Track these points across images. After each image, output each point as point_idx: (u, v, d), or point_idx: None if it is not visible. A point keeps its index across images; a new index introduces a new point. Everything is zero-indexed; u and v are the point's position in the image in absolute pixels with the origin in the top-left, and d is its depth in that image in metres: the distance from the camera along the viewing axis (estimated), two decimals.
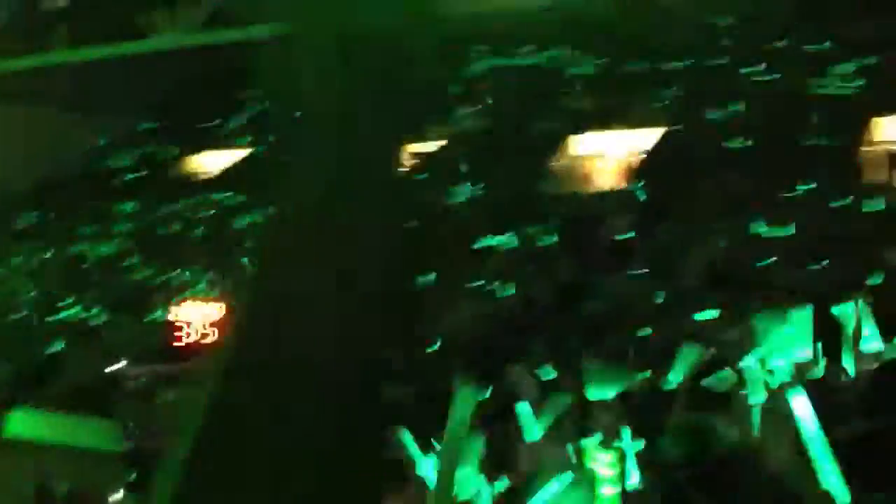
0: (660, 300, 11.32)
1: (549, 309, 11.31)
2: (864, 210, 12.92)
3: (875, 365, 9.03)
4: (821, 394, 8.32)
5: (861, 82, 15.54)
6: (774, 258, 12.03)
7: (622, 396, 8.88)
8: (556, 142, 15.94)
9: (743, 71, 16.06)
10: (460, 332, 11.00)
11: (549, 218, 13.55)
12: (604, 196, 14.74)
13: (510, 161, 15.64)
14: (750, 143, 14.58)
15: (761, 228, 12.59)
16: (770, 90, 15.76)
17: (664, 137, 15.36)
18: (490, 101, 17.07)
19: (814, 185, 13.45)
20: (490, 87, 17.48)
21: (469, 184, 14.81)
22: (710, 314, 10.54)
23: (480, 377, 9.16)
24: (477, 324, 11.23)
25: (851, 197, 13.02)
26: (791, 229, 12.62)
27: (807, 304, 9.44)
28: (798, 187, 13.55)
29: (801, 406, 7.97)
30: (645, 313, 10.87)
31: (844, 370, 8.99)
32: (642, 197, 14.02)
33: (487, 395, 9.26)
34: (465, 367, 9.66)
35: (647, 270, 12.07)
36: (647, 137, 15.61)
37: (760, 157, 14.28)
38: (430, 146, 16.11)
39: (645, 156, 15.25)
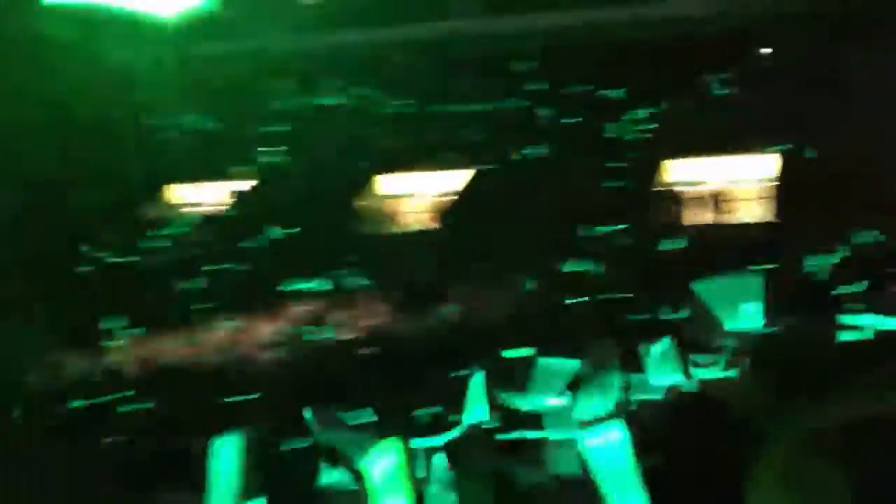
0: (468, 341, 11.42)
1: (362, 353, 11.25)
2: (661, 248, 13.45)
3: (674, 398, 9.31)
4: (626, 427, 8.51)
5: (652, 126, 16.24)
6: (581, 297, 12.34)
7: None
8: (362, 182, 15.94)
9: (544, 114, 16.51)
10: (273, 378, 10.82)
11: (358, 260, 13.52)
12: (409, 237, 14.81)
13: (317, 202, 15.54)
14: (551, 184, 14.97)
15: (566, 267, 12.89)
16: (569, 134, 16.27)
17: (470, 179, 15.57)
18: (297, 141, 16.94)
19: (614, 227, 13.91)
20: (296, 126, 17.37)
21: (277, 226, 14.63)
22: (519, 352, 10.68)
23: (290, 423, 9.01)
24: (288, 369, 11.07)
25: (650, 236, 13.52)
26: (592, 268, 12.99)
27: (611, 339, 9.67)
28: (598, 228, 14.00)
29: (608, 440, 8.11)
30: (455, 354, 10.94)
31: (646, 402, 9.24)
32: (449, 238, 14.17)
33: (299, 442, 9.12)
34: (275, 412, 9.49)
35: (457, 311, 12.16)
36: (454, 179, 15.79)
37: (560, 199, 14.69)
38: (236, 187, 15.87)
39: (451, 197, 15.42)
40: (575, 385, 9.31)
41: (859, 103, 14.57)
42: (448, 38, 14.23)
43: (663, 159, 16.50)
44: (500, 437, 9.01)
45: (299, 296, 13.02)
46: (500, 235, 13.73)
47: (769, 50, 15.85)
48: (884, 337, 9.18)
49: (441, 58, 15.75)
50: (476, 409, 9.20)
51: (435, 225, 14.81)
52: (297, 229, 14.55)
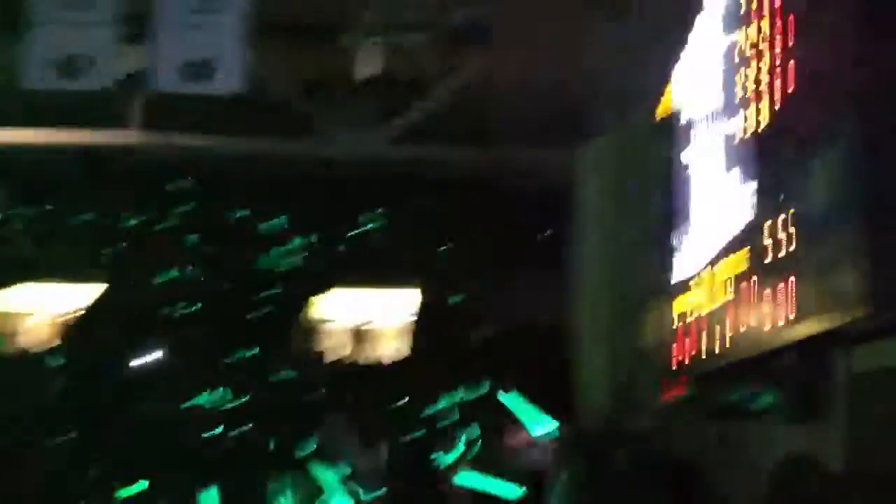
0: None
1: None
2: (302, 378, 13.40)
3: None
4: None
5: (299, 258, 16.31)
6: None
7: None
8: None
9: (194, 238, 16.21)
10: None
11: None
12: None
13: None
14: (197, 308, 14.58)
15: (202, 398, 12.61)
16: (223, 260, 16.01)
17: (109, 294, 14.95)
18: None
19: (256, 353, 13.73)
20: None
21: None
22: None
23: None
24: None
25: (290, 366, 13.46)
26: (231, 397, 12.78)
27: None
28: (240, 354, 13.76)
29: None
30: None
31: None
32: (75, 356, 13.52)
33: None
34: None
35: None
36: (91, 293, 15.10)
37: (207, 324, 14.37)
38: None
39: (82, 313, 14.71)
40: None
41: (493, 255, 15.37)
42: (106, 148, 13.67)
43: (312, 292, 16.53)
44: None
45: None
46: (131, 358, 13.21)
47: (424, 199, 16.44)
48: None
49: (94, 166, 15.10)
50: None
51: (62, 343, 14.04)
52: None
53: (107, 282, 15.53)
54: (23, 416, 12.24)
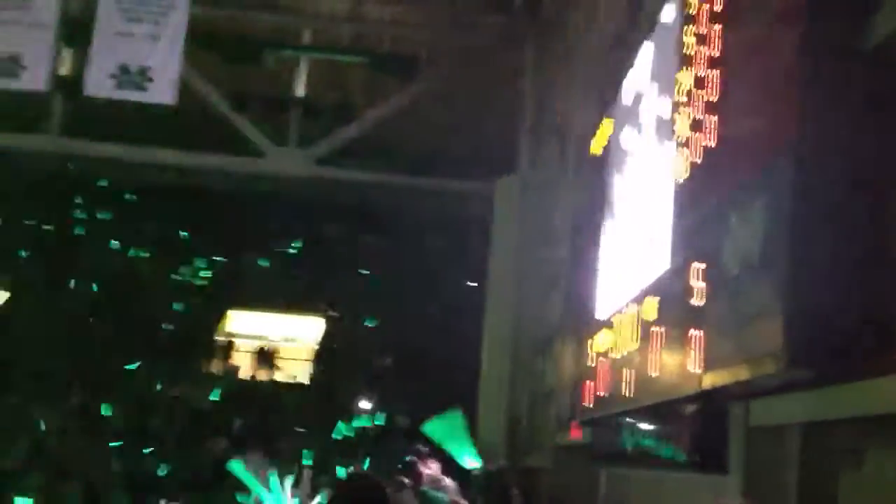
0: None
1: None
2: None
3: None
4: None
5: (211, 275, 16.11)
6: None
7: None
8: None
9: (107, 244, 15.96)
10: None
11: None
12: None
13: None
14: (98, 320, 14.34)
15: (107, 411, 12.45)
16: (136, 272, 15.76)
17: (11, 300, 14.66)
18: None
19: (139, 365, 13.54)
20: None
21: None
22: None
23: None
24: None
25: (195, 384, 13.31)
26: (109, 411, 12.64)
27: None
28: (128, 366, 13.56)
29: None
30: None
31: None
32: None
33: None
34: None
35: None
36: None
37: (115, 335, 14.11)
38: None
39: None
40: None
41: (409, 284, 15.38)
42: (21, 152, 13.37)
43: (224, 309, 16.34)
44: None
45: None
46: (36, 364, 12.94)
47: (342, 224, 16.41)
48: None
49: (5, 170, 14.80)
50: None
51: None
52: None
53: (13, 287, 15.18)
54: None
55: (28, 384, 12.94)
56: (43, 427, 12.24)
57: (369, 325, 15.35)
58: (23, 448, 11.83)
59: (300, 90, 13.45)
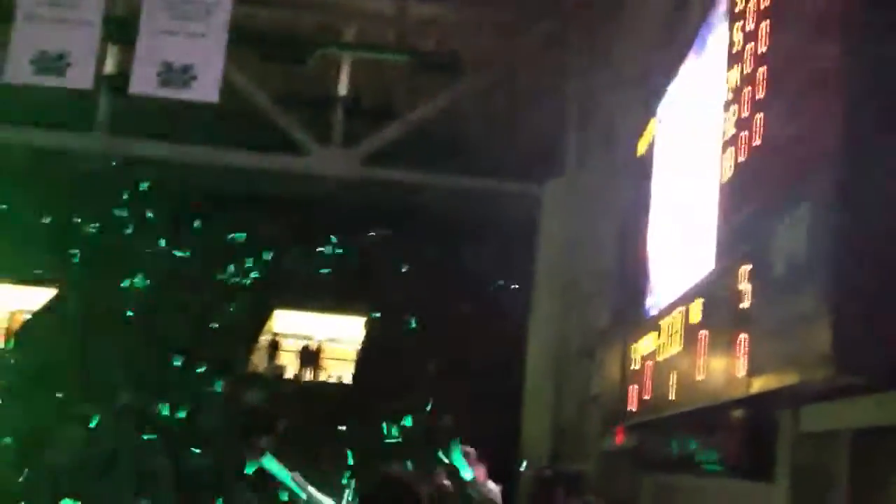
0: None
1: None
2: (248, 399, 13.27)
3: None
4: None
5: (257, 275, 16.17)
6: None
7: None
8: None
9: (155, 245, 16.08)
10: None
11: None
12: None
13: None
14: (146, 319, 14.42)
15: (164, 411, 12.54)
16: (183, 271, 15.86)
17: (63, 297, 14.83)
18: None
19: (186, 363, 13.60)
20: None
21: None
22: None
23: None
24: None
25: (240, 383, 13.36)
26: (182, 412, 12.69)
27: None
28: (175, 364, 13.63)
29: None
30: None
31: None
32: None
33: None
34: None
35: None
36: (35, 295, 14.96)
37: (162, 334, 14.20)
38: None
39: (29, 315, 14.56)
40: None
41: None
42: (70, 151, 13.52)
43: (270, 308, 16.40)
44: None
45: None
46: (83, 366, 13.04)
47: (385, 229, 16.44)
48: None
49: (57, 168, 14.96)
50: None
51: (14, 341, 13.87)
52: None
53: (62, 285, 15.32)
54: None
55: (78, 382, 13.04)
56: (93, 424, 12.32)
57: (412, 327, 15.32)
58: (73, 446, 11.90)
59: (343, 90, 13.44)
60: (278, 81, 13.08)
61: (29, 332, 14.39)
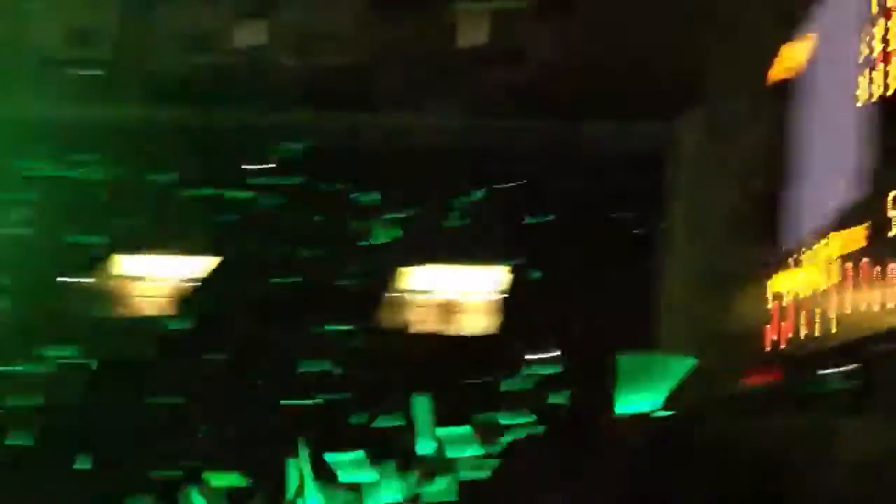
0: None
1: None
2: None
3: None
4: None
5: (398, 233, 16.23)
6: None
7: None
8: (95, 260, 15.21)
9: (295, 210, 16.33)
10: None
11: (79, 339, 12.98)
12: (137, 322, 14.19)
13: (42, 276, 14.76)
14: (294, 280, 14.66)
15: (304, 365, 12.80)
16: (317, 234, 16.06)
17: (211, 268, 15.16)
18: (28, 210, 15.99)
19: (348, 326, 13.81)
20: (41, 196, 16.43)
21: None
22: None
23: None
24: None
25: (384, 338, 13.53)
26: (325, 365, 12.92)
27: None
28: (329, 326, 13.83)
29: None
30: None
31: None
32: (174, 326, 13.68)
33: None
34: None
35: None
36: (193, 265, 15.32)
37: (301, 295, 14.44)
38: None
39: (189, 284, 14.93)
40: None
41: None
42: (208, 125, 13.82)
43: (404, 264, 16.49)
44: None
45: None
46: (235, 328, 13.38)
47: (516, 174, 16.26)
48: None
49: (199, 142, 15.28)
50: None
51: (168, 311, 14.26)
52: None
53: (216, 253, 15.70)
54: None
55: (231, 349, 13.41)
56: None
57: (545, 274, 15.18)
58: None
59: (471, 37, 13.29)
60: (384, 31, 12.93)
61: (189, 298, 14.75)
